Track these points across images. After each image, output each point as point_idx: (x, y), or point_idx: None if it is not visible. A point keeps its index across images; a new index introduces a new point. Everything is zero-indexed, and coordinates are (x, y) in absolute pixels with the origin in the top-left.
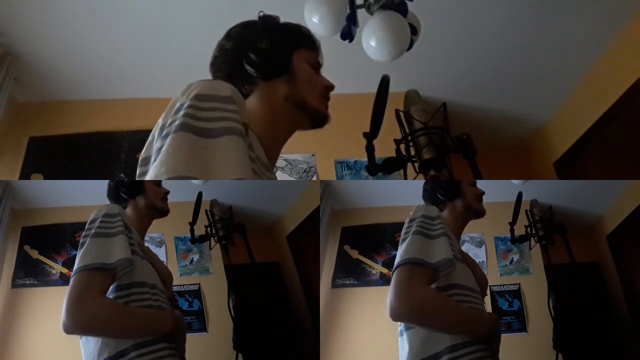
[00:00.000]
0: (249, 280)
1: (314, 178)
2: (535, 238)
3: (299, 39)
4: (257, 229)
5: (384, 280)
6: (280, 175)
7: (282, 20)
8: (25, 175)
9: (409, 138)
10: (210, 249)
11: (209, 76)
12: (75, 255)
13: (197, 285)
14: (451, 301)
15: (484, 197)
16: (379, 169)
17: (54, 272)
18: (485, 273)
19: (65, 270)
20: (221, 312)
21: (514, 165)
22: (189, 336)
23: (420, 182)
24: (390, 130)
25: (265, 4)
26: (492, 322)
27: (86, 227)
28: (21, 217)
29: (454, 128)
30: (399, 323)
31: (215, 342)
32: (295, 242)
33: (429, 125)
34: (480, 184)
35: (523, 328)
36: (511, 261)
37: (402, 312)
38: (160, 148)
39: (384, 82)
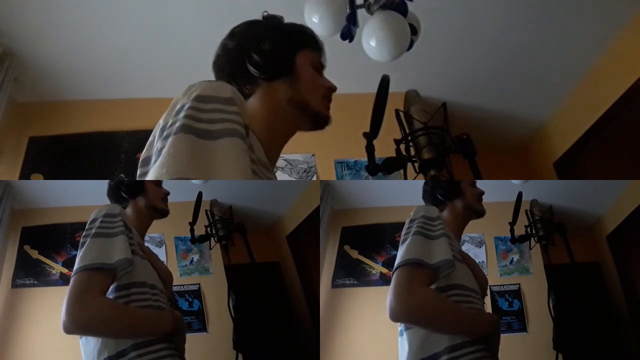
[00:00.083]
0: (249, 280)
1: (314, 178)
2: (535, 238)
3: (303, 39)
4: (257, 229)
5: (384, 280)
6: (280, 175)
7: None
8: (25, 175)
9: (409, 138)
10: (210, 249)
11: (209, 76)
12: (75, 255)
13: (197, 285)
14: (450, 302)
15: (484, 197)
16: (379, 169)
17: (54, 272)
18: (485, 273)
19: (65, 270)
20: (221, 312)
21: (514, 165)
22: (189, 336)
23: (420, 182)
24: (390, 130)
25: (266, 3)
26: (491, 323)
27: (86, 227)
28: (21, 217)
29: (454, 128)
30: (398, 323)
31: (215, 342)
32: (295, 242)
33: (429, 125)
34: (480, 184)
35: (523, 328)
36: (511, 261)
37: (401, 313)
38: (161, 149)
39: (384, 82)
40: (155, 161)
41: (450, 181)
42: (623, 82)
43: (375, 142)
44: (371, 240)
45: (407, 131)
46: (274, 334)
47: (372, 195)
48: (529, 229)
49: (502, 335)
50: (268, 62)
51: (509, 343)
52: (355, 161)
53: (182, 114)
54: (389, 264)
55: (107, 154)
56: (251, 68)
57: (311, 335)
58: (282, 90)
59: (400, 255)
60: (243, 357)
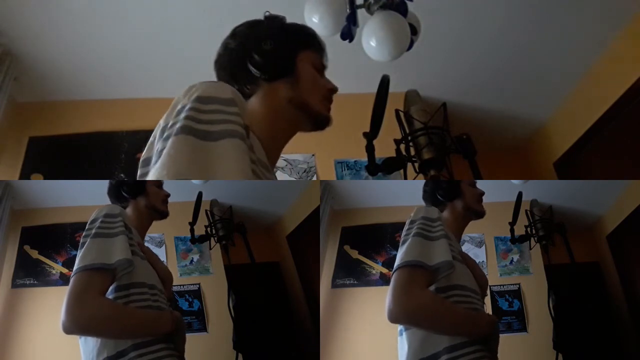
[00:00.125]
0: (249, 280)
1: (314, 178)
2: (535, 238)
3: (304, 40)
4: (257, 229)
5: (384, 280)
6: (280, 175)
7: None
8: (25, 175)
9: (409, 138)
10: (210, 249)
11: (209, 76)
12: (75, 255)
13: (197, 285)
14: (449, 303)
15: (484, 197)
16: (379, 169)
17: (54, 272)
18: (485, 273)
19: (65, 270)
20: (221, 312)
21: (514, 165)
22: (189, 336)
23: (420, 182)
24: (390, 130)
25: (266, 3)
26: (490, 323)
27: (87, 227)
28: (21, 217)
29: (454, 128)
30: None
31: (215, 342)
32: (295, 242)
33: (429, 125)
34: (480, 184)
35: (523, 328)
36: (511, 261)
37: (400, 315)
38: (162, 150)
39: (384, 82)
40: (156, 162)
41: (450, 181)
42: (623, 82)
43: (375, 142)
44: (371, 240)
45: (407, 131)
46: (274, 334)
47: (372, 195)
48: (529, 229)
49: (502, 335)
50: (269, 62)
51: (509, 343)
52: (355, 161)
53: (182, 115)
54: (389, 264)
55: (107, 154)
56: (252, 68)
57: (311, 335)
58: (282, 90)
59: (399, 256)
60: (243, 357)
